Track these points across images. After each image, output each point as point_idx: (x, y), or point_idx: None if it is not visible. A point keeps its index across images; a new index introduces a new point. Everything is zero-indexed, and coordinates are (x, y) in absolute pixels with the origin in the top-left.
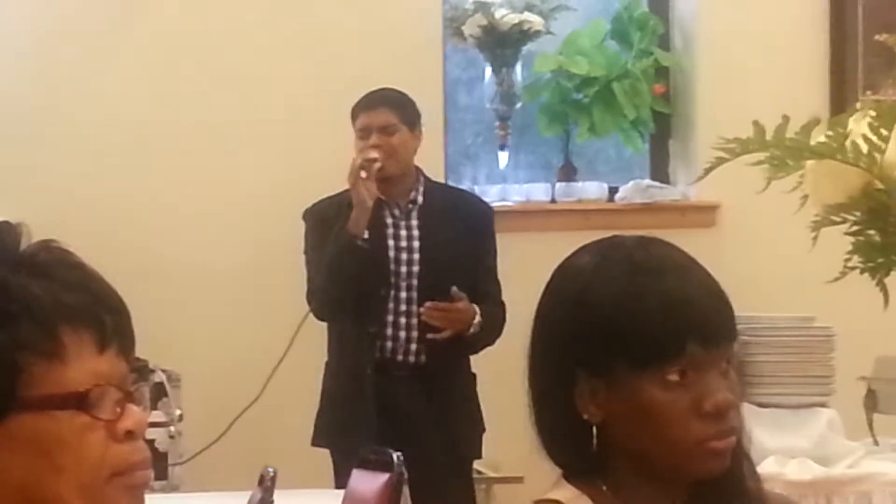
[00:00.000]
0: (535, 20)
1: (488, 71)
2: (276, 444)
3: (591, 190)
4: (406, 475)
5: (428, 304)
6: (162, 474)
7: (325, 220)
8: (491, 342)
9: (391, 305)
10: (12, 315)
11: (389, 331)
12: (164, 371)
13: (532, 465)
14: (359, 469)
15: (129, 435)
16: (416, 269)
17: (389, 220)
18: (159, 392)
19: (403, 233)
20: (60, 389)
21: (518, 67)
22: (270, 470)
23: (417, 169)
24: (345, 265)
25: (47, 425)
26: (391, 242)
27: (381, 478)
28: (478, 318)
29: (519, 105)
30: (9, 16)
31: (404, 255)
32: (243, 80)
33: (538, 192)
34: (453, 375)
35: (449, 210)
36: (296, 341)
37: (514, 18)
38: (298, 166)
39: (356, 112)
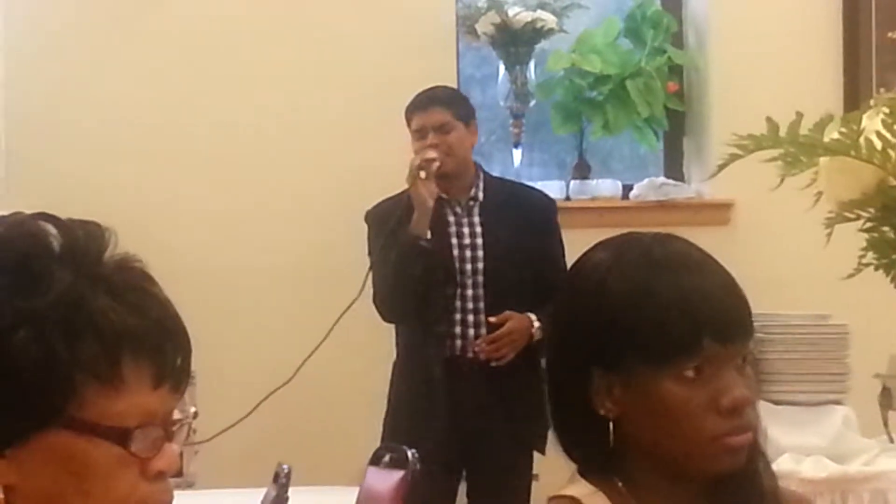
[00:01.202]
0: (548, 18)
1: (502, 69)
2: (291, 441)
3: (605, 188)
4: (420, 472)
5: (478, 343)
6: (178, 471)
7: (385, 220)
8: None
9: (458, 304)
10: (79, 332)
11: (458, 329)
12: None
13: (547, 462)
14: (373, 466)
15: (160, 475)
16: (480, 265)
17: (451, 219)
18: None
19: (466, 230)
20: (107, 420)
21: (531, 65)
22: (285, 467)
23: (476, 165)
24: (409, 266)
25: (85, 449)
26: (454, 241)
27: (396, 475)
28: (536, 324)
29: (533, 103)
30: (22, 16)
31: (468, 253)
32: (255, 79)
33: (552, 189)
34: (521, 371)
35: (510, 205)
36: (313, 341)
37: (527, 16)
38: (317, 166)
39: (410, 113)
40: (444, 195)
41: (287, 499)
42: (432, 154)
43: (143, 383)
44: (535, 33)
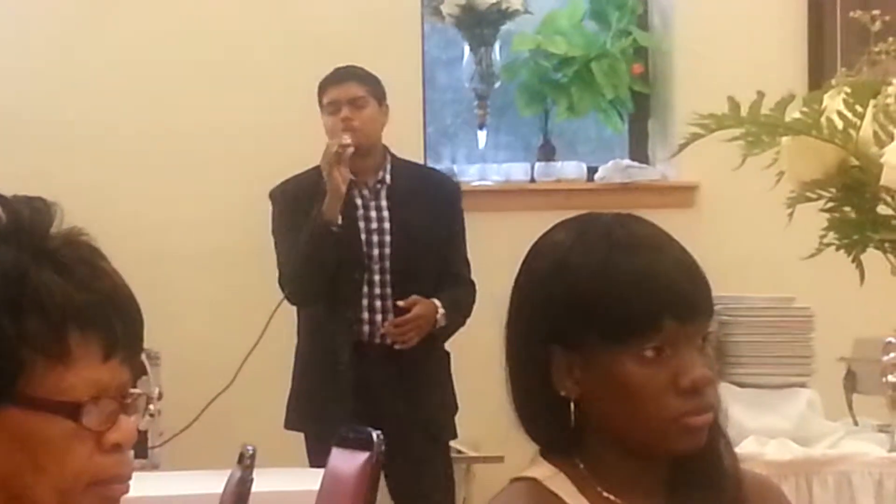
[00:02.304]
0: (513, 0)
1: (467, 50)
2: (255, 423)
3: (570, 170)
4: (384, 453)
5: (384, 326)
6: (142, 453)
7: (294, 200)
8: (461, 325)
9: (365, 289)
10: (24, 308)
11: (365, 314)
12: (143, 349)
13: (512, 444)
14: (338, 448)
15: (116, 447)
16: (388, 251)
17: (359, 202)
18: (139, 370)
19: (374, 214)
20: (57, 395)
21: (497, 47)
22: (250, 448)
23: (384, 147)
24: (320, 252)
25: (37, 425)
26: (362, 224)
27: (361, 456)
28: (441, 311)
29: (498, 85)
30: (8, 14)
31: (375, 238)
32: (214, 60)
33: (517, 171)
34: (427, 356)
35: (418, 189)
36: (273, 322)
37: None
38: (272, 147)
39: (324, 86)
40: (353, 176)
41: (252, 480)
42: (348, 139)
43: (92, 356)
44: (500, 14)
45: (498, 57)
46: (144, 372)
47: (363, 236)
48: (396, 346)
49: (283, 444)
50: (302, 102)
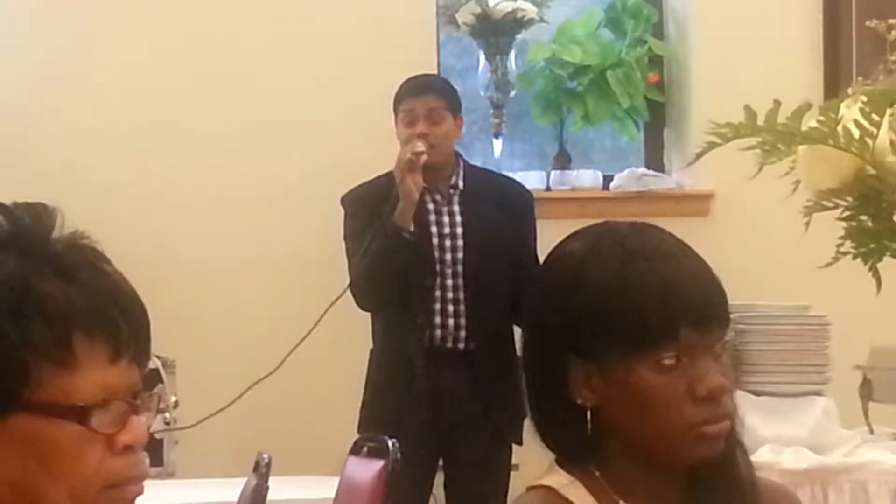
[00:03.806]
0: (528, 8)
1: (482, 59)
2: (272, 431)
3: (585, 178)
4: (400, 462)
5: None
6: (157, 461)
7: (365, 206)
8: None
9: (438, 294)
10: (27, 315)
11: (437, 319)
12: (159, 357)
13: (528, 452)
14: (353, 455)
15: (128, 448)
16: (460, 255)
17: (431, 206)
18: (154, 378)
19: (446, 219)
20: (65, 399)
21: (512, 55)
22: (265, 456)
23: (457, 153)
24: (392, 258)
25: (46, 431)
26: (434, 230)
27: (377, 464)
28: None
29: (513, 93)
30: (13, 11)
31: (448, 242)
32: (239, 73)
33: (533, 180)
34: (499, 361)
35: (489, 194)
36: (295, 331)
37: (507, 6)
38: (298, 156)
39: (402, 95)
40: (425, 184)
41: (267, 488)
42: (421, 147)
43: (98, 359)
44: (515, 23)
45: (513, 66)
46: (160, 380)
47: (435, 241)
48: (460, 345)
49: (300, 452)
50: (321, 110)
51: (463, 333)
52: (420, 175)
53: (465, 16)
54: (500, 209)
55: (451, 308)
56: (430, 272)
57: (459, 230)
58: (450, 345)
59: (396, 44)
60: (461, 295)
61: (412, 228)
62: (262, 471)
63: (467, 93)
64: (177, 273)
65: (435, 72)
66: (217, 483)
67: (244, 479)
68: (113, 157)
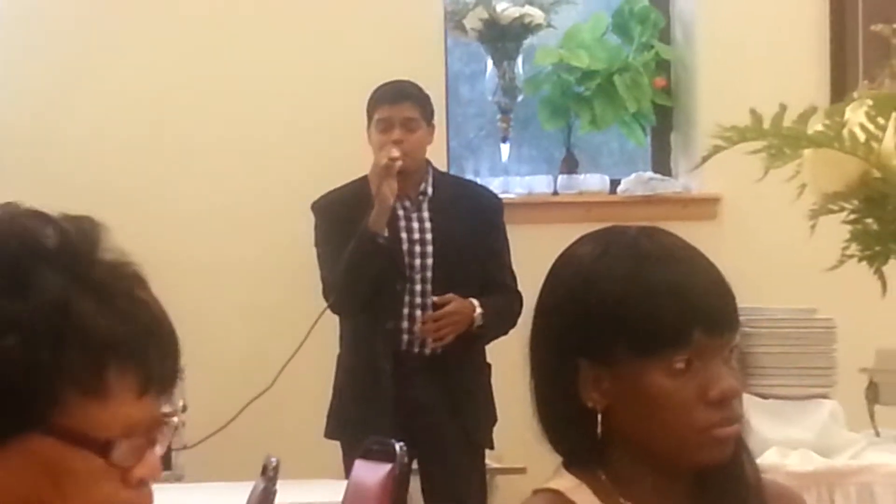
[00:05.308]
0: (536, 14)
1: (490, 64)
2: (280, 435)
3: (592, 182)
4: (408, 465)
5: (422, 320)
6: (166, 465)
7: (337, 213)
8: (503, 332)
9: (407, 299)
10: (64, 339)
11: (405, 324)
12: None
13: (535, 455)
14: (362, 459)
15: (141, 482)
16: (429, 261)
17: (401, 212)
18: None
19: (416, 225)
20: (90, 430)
21: (519, 61)
22: (273, 460)
23: (426, 160)
24: (365, 263)
25: (66, 457)
26: (404, 235)
27: (384, 468)
28: (478, 311)
29: (520, 98)
30: (20, 14)
31: (417, 248)
32: (245, 76)
33: (540, 184)
34: (468, 366)
35: (458, 201)
36: (300, 336)
37: (515, 12)
38: (304, 160)
39: (376, 103)
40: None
41: (275, 492)
42: (397, 153)
43: (127, 392)
44: (522, 28)
45: (521, 71)
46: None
47: (405, 247)
48: (428, 350)
49: (308, 455)
50: (327, 114)
51: (430, 339)
52: (395, 181)
53: (472, 21)
54: (469, 216)
55: (418, 313)
56: (400, 277)
57: (429, 236)
58: (417, 349)
59: (404, 49)
60: (429, 300)
61: (386, 234)
62: (269, 474)
63: (475, 98)
64: (186, 280)
65: (443, 77)
66: (225, 487)
67: (252, 483)
68: (123, 164)
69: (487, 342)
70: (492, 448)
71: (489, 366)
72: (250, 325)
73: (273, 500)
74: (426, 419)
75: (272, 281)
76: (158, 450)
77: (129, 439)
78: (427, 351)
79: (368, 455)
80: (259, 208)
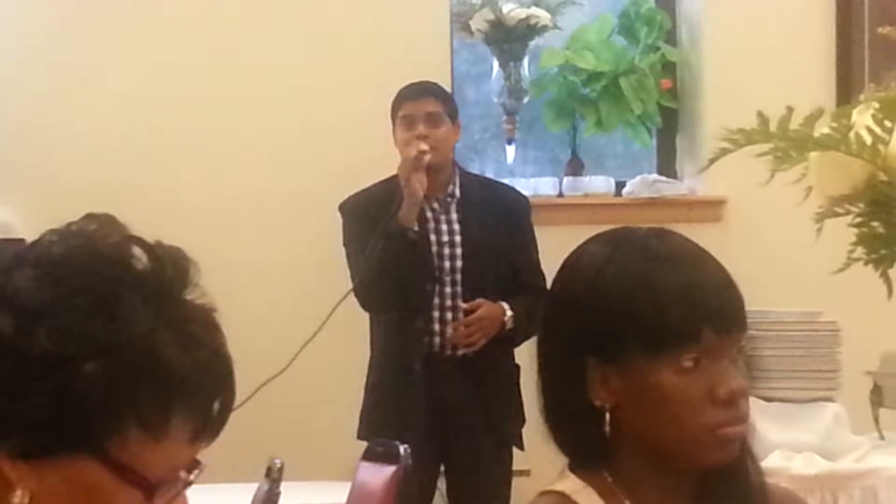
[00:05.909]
0: (542, 15)
1: (496, 65)
2: (283, 437)
3: (598, 184)
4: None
5: (452, 328)
6: None
7: (366, 213)
8: (534, 332)
9: (437, 300)
10: (143, 376)
11: (436, 326)
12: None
13: (539, 457)
14: (365, 461)
15: None
16: (459, 263)
17: (429, 214)
18: None
19: (444, 227)
20: (141, 468)
21: (525, 62)
22: (277, 461)
23: (453, 161)
24: (396, 256)
25: (110, 488)
26: (433, 237)
27: (388, 470)
28: (509, 313)
29: (526, 100)
30: (20, 11)
31: (447, 250)
32: (246, 76)
33: (545, 186)
34: (498, 367)
35: (486, 202)
36: (302, 337)
37: (521, 13)
38: (306, 160)
39: (400, 100)
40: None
41: (279, 493)
42: (425, 146)
43: (182, 437)
44: (528, 30)
45: (526, 72)
46: None
47: (434, 248)
48: (459, 352)
49: (312, 457)
50: (334, 115)
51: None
52: (425, 174)
53: (478, 22)
54: (497, 216)
55: (449, 315)
56: (429, 277)
57: (458, 238)
58: (448, 351)
59: (410, 50)
60: (459, 302)
61: (416, 228)
62: (273, 476)
63: (480, 99)
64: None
65: (449, 78)
66: (228, 488)
67: (256, 485)
68: (131, 161)
69: (518, 344)
70: (521, 448)
71: (518, 367)
72: (259, 323)
73: (277, 501)
74: (458, 420)
75: (273, 283)
76: (195, 475)
77: (172, 483)
78: (458, 352)
79: (372, 457)
80: (259, 208)
